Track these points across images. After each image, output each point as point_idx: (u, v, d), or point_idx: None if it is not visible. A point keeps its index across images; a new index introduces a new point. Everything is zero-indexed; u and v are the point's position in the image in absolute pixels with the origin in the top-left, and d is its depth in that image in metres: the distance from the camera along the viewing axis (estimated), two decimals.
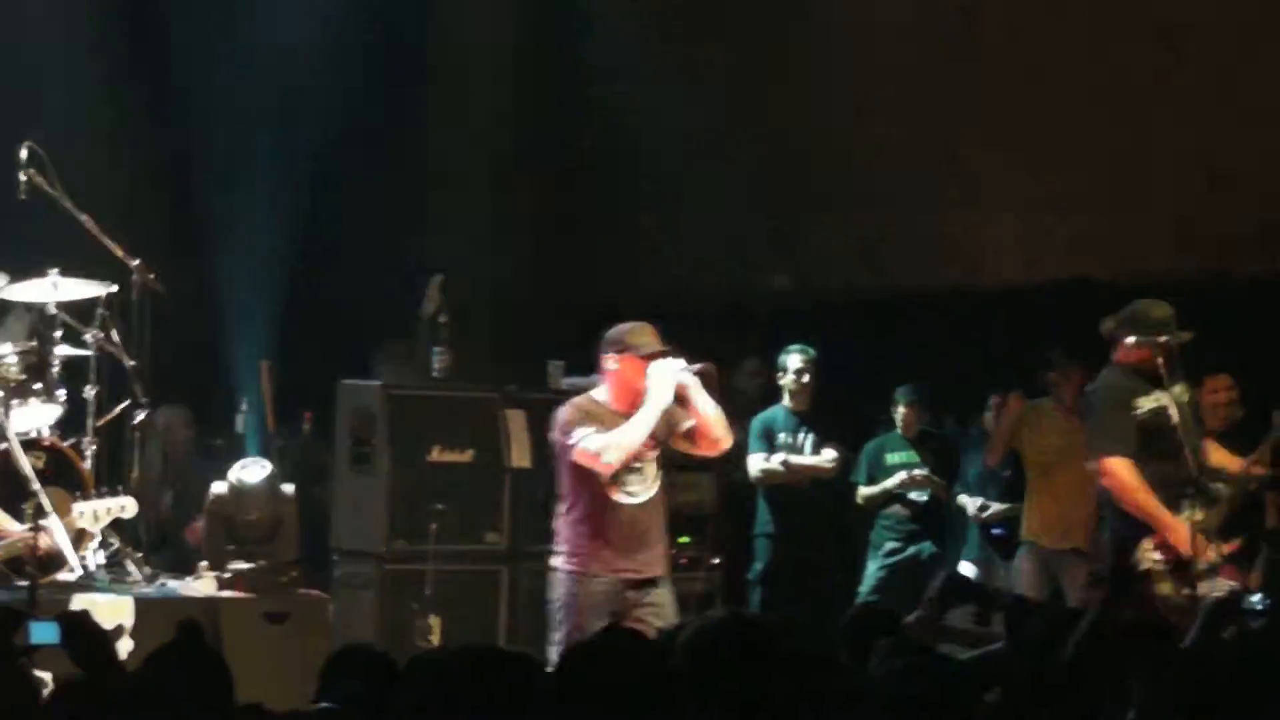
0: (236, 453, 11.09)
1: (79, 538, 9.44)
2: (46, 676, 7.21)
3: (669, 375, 8.27)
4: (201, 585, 9.94)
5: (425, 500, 10.47)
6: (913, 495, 11.76)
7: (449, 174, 13.14)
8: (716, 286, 13.75)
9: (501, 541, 10.78)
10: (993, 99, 13.14)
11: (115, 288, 10.13)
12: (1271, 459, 9.21)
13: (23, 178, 10.04)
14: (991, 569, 11.59)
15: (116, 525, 9.78)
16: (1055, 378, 11.21)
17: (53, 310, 10.04)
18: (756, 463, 11.43)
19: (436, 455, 10.70)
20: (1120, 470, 8.71)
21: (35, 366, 9.89)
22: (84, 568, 9.49)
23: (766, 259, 13.97)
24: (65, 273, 9.98)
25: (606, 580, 8.34)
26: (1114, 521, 8.90)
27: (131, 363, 10.19)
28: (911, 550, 11.72)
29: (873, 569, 11.75)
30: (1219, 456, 8.95)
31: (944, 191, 13.34)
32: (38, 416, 9.86)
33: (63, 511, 9.32)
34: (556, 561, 8.47)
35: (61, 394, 9.95)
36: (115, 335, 10.18)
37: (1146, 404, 8.84)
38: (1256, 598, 7.90)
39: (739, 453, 11.53)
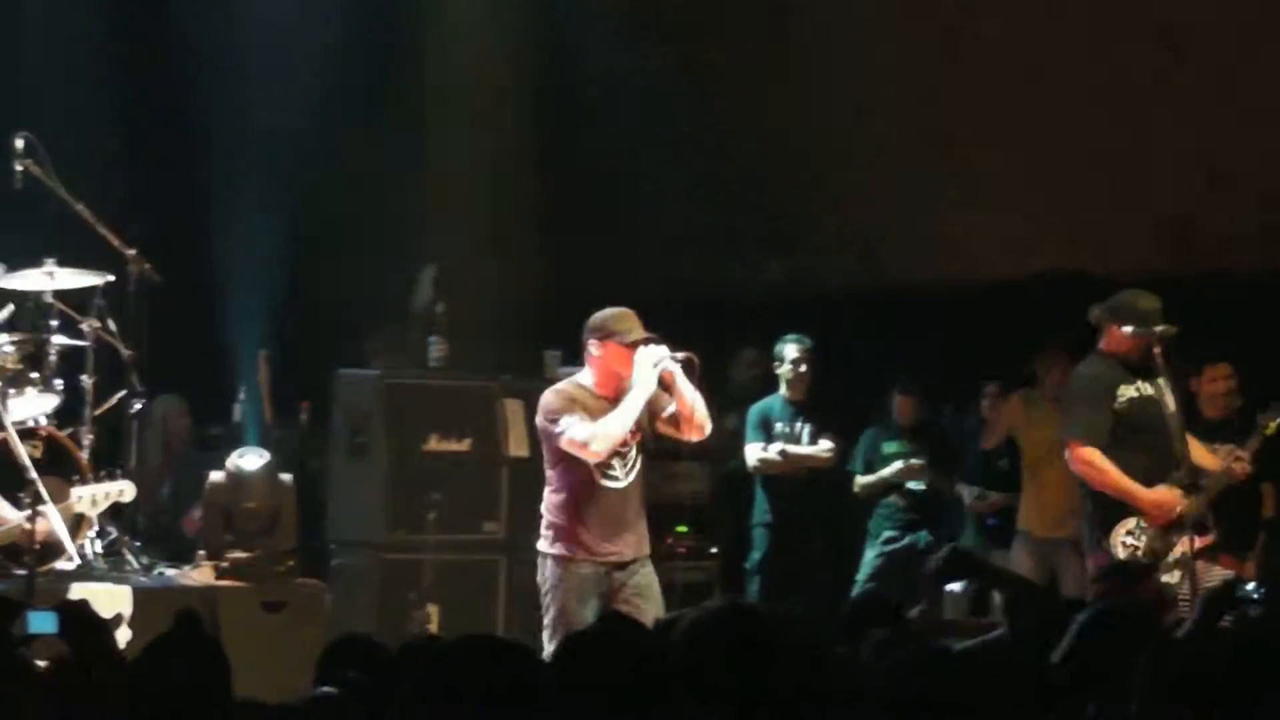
0: (234, 443, 11.09)
1: (76, 525, 9.45)
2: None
3: (654, 362, 8.31)
4: (199, 574, 9.94)
5: (422, 490, 10.48)
6: (910, 484, 11.78)
7: (447, 168, 13.13)
8: (714, 281, 13.75)
9: (499, 531, 10.78)
10: (992, 96, 13.14)
11: (112, 278, 10.13)
12: (1253, 458, 9.26)
13: (19, 168, 10.04)
14: (987, 558, 11.59)
15: (115, 514, 9.79)
16: (1037, 366, 11.26)
17: (49, 300, 10.04)
18: (754, 452, 11.44)
19: (434, 445, 10.71)
20: (1092, 458, 8.76)
21: (32, 356, 9.89)
22: (82, 557, 9.50)
23: (764, 254, 13.96)
24: (62, 263, 9.98)
25: (592, 565, 8.39)
26: (1089, 508, 8.95)
27: (128, 353, 10.19)
28: (909, 539, 11.75)
29: (870, 558, 11.77)
30: (1198, 454, 8.97)
31: (942, 187, 13.34)
32: (35, 406, 9.86)
33: (60, 500, 9.33)
34: (543, 546, 8.53)
35: (58, 383, 9.95)
36: (112, 325, 10.18)
37: (1128, 393, 8.87)
38: (1251, 586, 7.91)
39: (736, 442, 11.57)
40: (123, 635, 8.70)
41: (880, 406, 12.08)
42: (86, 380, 10.12)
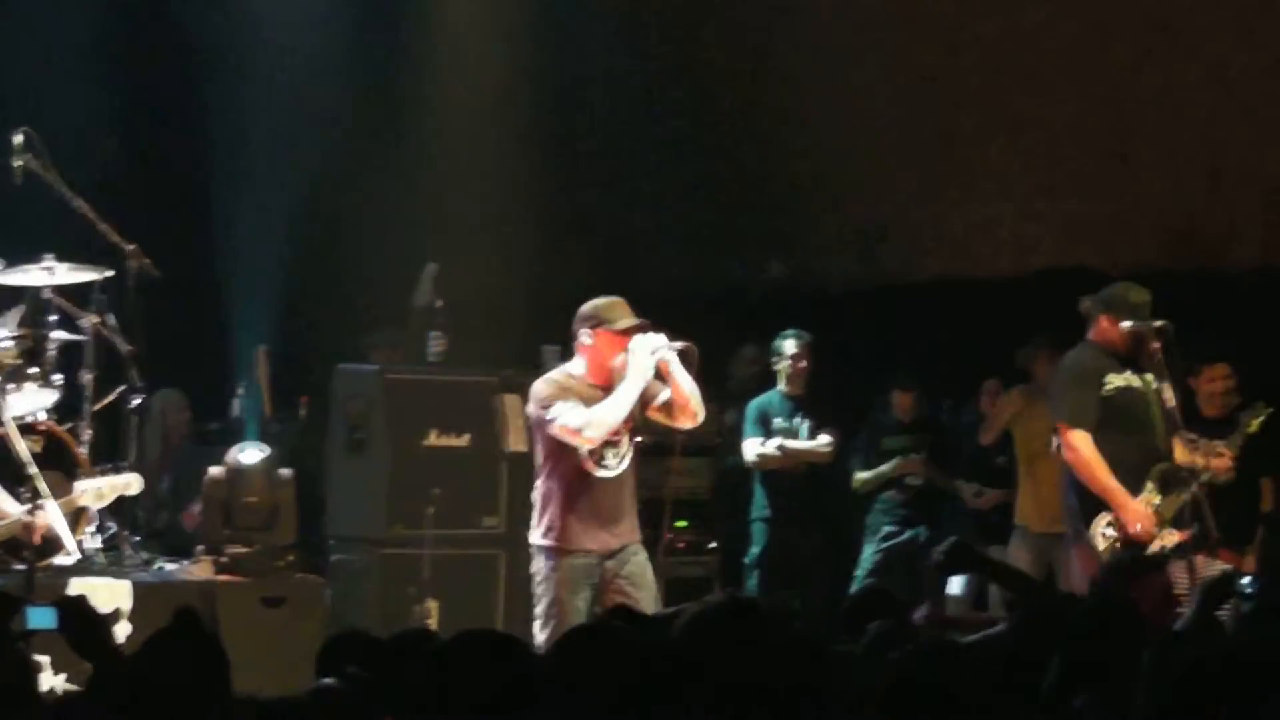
0: (233, 438, 11.09)
1: (76, 520, 9.45)
2: (45, 660, 7.24)
3: (650, 351, 8.32)
4: (198, 569, 9.95)
5: (422, 485, 10.47)
6: (908, 480, 11.80)
7: (447, 166, 13.14)
8: (714, 278, 13.76)
9: (498, 525, 10.78)
10: (991, 95, 13.15)
11: (111, 273, 10.13)
12: (1240, 454, 9.28)
13: (18, 163, 10.03)
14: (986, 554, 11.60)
15: (115, 509, 9.79)
16: (1025, 361, 11.28)
17: (48, 295, 10.04)
18: (752, 447, 11.45)
19: (433, 440, 10.71)
20: (1081, 444, 8.79)
21: (31, 351, 9.88)
22: (81, 552, 9.49)
23: (764, 250, 13.97)
24: (61, 258, 9.98)
25: (585, 555, 8.41)
26: (1072, 501, 8.97)
27: (127, 348, 10.19)
28: (907, 534, 11.76)
29: (869, 553, 11.79)
30: (1181, 453, 8.99)
31: (942, 185, 13.35)
32: (34, 401, 9.85)
33: (63, 494, 9.33)
34: (535, 537, 8.54)
35: (58, 378, 9.94)
36: (111, 320, 10.18)
37: (1116, 381, 8.91)
38: (1247, 579, 7.92)
39: (735, 438, 11.59)
40: (122, 630, 8.72)
41: (879, 402, 12.09)
42: (86, 375, 10.12)
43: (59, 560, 9.34)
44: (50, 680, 8.02)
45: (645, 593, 8.42)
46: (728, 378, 12.17)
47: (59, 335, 10.00)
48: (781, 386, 11.57)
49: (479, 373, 10.95)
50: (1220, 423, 9.75)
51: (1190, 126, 12.61)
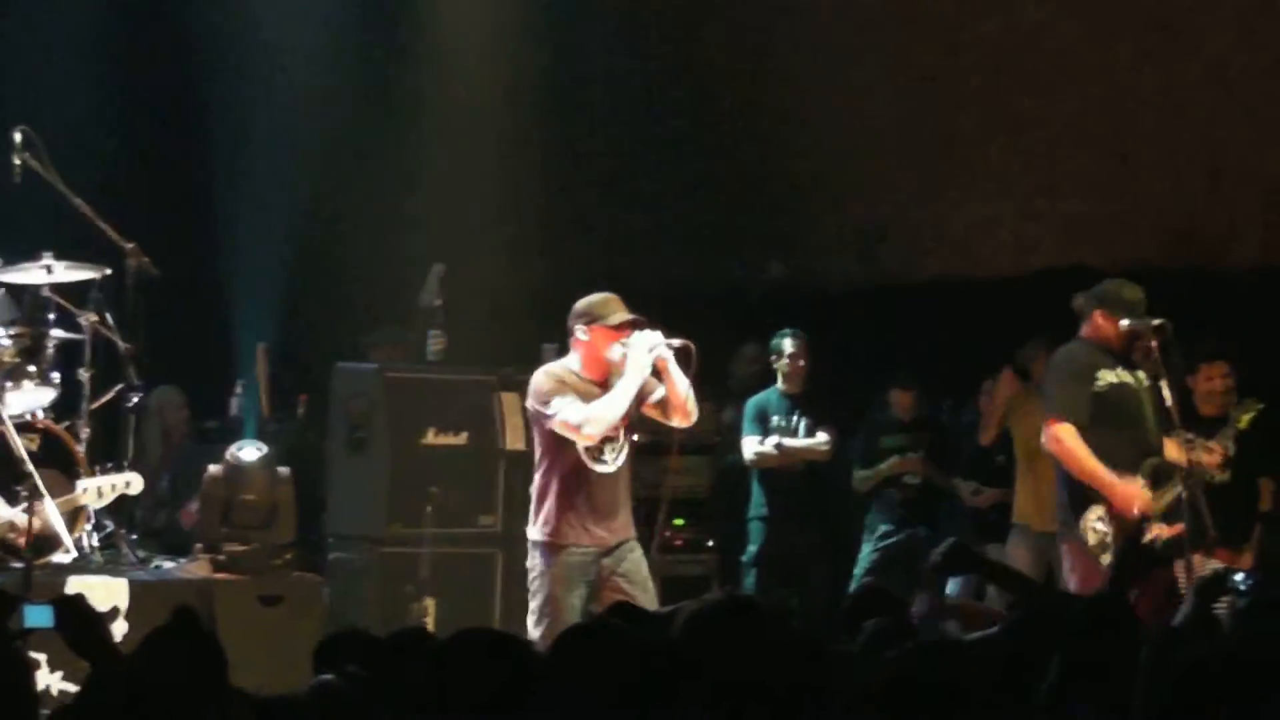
0: (232, 436, 11.09)
1: (74, 518, 9.44)
2: (41, 658, 7.23)
3: (648, 347, 8.33)
4: (196, 568, 9.94)
5: (420, 483, 10.47)
6: (907, 479, 11.80)
7: (447, 165, 13.13)
8: (714, 277, 13.76)
9: (496, 524, 10.78)
10: (990, 91, 13.15)
11: (110, 271, 10.13)
12: (1237, 449, 9.29)
13: (17, 162, 10.03)
14: (984, 552, 11.59)
15: (113, 507, 9.79)
16: (1025, 358, 11.28)
17: (47, 293, 10.03)
18: (750, 446, 11.46)
19: (431, 439, 10.71)
20: (1066, 436, 8.80)
21: (29, 349, 9.88)
22: (79, 550, 9.49)
23: (764, 250, 13.97)
24: (59, 256, 9.97)
25: (581, 551, 8.43)
26: (1063, 497, 8.98)
27: (126, 346, 10.18)
28: (906, 534, 11.75)
29: (867, 552, 11.79)
30: (1173, 451, 8.99)
31: (941, 185, 13.35)
32: (32, 399, 9.85)
33: (64, 492, 9.32)
34: (532, 532, 8.55)
35: (56, 377, 9.94)
36: (110, 318, 10.17)
37: (1108, 377, 8.91)
38: (1240, 576, 7.93)
39: (733, 436, 11.59)
40: (119, 628, 8.72)
41: (878, 401, 12.09)
42: (84, 374, 10.11)
43: (56, 558, 9.34)
44: (47, 678, 8.03)
45: (642, 591, 8.43)
46: (728, 376, 12.18)
47: (57, 333, 10.00)
48: (780, 385, 11.58)
49: (478, 371, 10.95)
50: (1218, 421, 9.75)
51: (1190, 126, 12.61)
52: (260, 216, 12.46)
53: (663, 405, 8.51)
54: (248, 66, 12.67)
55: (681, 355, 8.44)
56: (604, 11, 13.79)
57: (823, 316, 12.22)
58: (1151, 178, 12.77)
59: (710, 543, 11.51)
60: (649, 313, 8.55)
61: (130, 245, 10.23)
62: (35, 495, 9.03)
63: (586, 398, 8.42)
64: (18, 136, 10.03)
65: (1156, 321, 8.86)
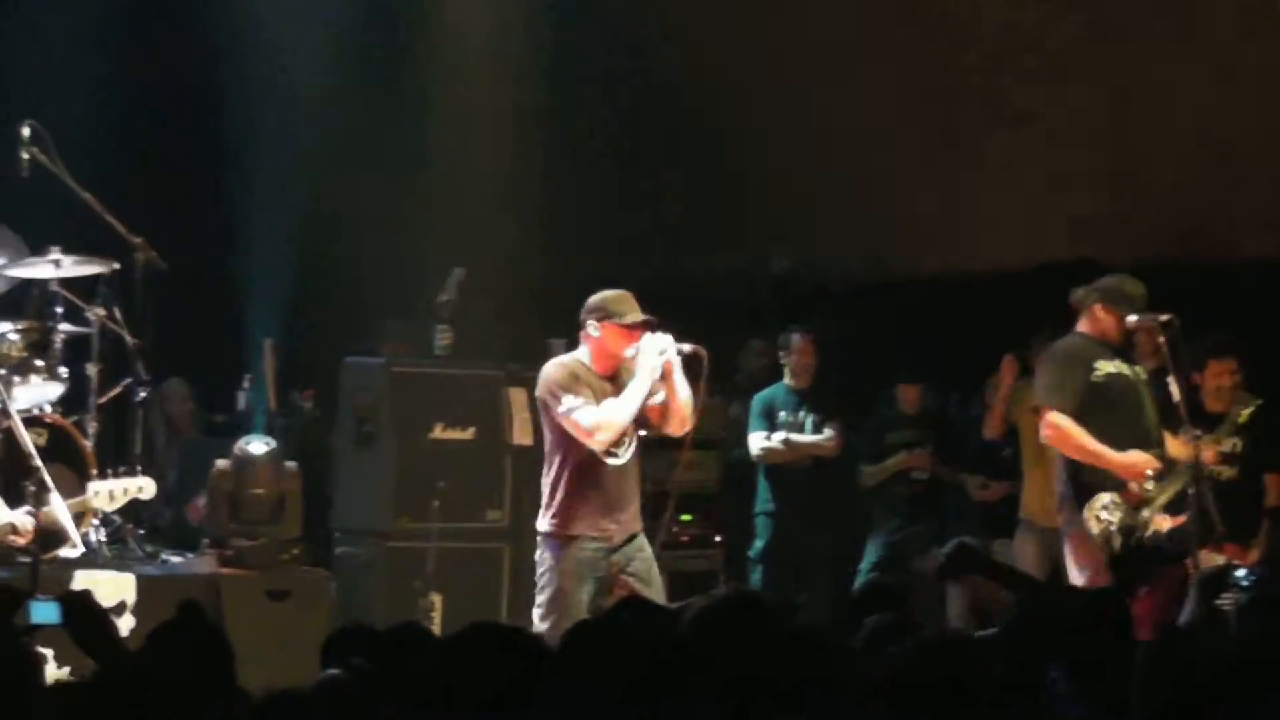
0: (239, 431, 11.10)
1: (81, 514, 9.44)
2: (48, 653, 7.24)
3: (659, 350, 8.34)
4: (203, 562, 9.95)
5: (427, 478, 10.47)
6: (914, 474, 11.80)
7: (453, 162, 13.13)
8: (719, 273, 13.75)
9: (503, 519, 10.78)
10: (996, 85, 13.14)
11: (118, 266, 10.14)
12: (1251, 444, 9.31)
13: (25, 156, 10.04)
14: (990, 548, 11.59)
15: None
16: (1032, 354, 11.29)
17: (55, 288, 10.05)
18: (758, 441, 11.47)
19: (438, 433, 10.71)
20: (1060, 420, 8.80)
21: (38, 344, 9.89)
22: (86, 544, 9.49)
23: (769, 245, 13.96)
24: (67, 251, 9.98)
25: (590, 545, 8.44)
26: (1065, 490, 8.97)
27: (133, 340, 10.20)
28: (912, 529, 11.75)
29: (873, 547, 11.78)
30: (1174, 448, 9.00)
31: (947, 178, 13.33)
32: (40, 393, 9.87)
33: (75, 493, 9.30)
34: (542, 526, 8.56)
35: (64, 371, 9.95)
36: (117, 313, 10.19)
37: (1107, 367, 8.92)
38: (1242, 572, 7.94)
39: (740, 431, 11.60)
40: (126, 623, 8.73)
41: (885, 396, 12.09)
42: (92, 368, 10.13)
43: (64, 553, 9.34)
44: (55, 673, 8.02)
45: (652, 590, 8.43)
46: (735, 371, 12.18)
47: (65, 328, 10.01)
48: (787, 380, 11.59)
49: (485, 366, 10.95)
50: (1224, 417, 9.75)
51: (1197, 121, 12.59)
52: (267, 212, 12.47)
53: (662, 409, 8.52)
54: (254, 64, 12.66)
55: (692, 361, 8.46)
56: (604, 11, 13.79)
57: (828, 311, 12.22)
58: (1157, 173, 12.76)
59: (717, 538, 11.52)
60: (655, 309, 8.56)
61: (138, 240, 10.24)
62: (43, 490, 9.01)
63: (598, 392, 8.44)
64: (26, 131, 10.05)
65: (1165, 317, 8.86)
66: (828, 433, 11.49)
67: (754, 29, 13.56)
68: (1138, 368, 9.01)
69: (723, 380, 11.00)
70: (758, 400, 11.56)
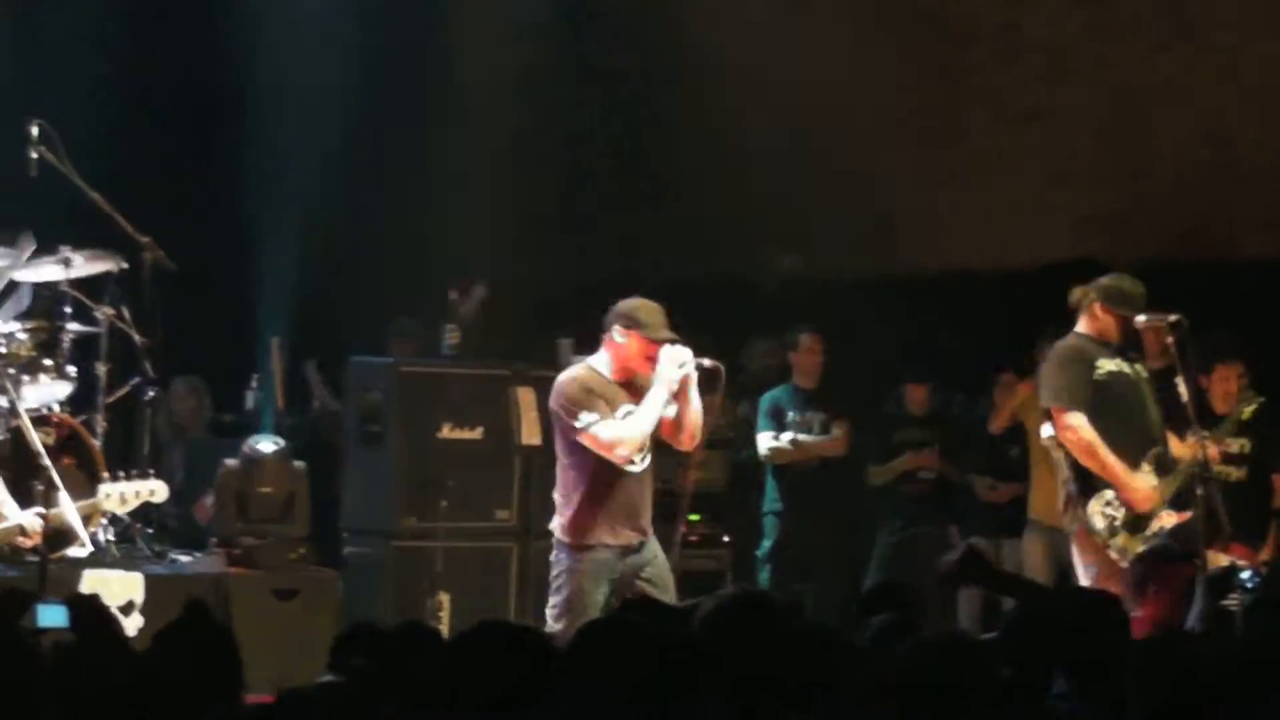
0: (247, 430, 11.10)
1: (89, 514, 9.45)
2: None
3: (678, 364, 8.32)
4: (211, 561, 9.96)
5: (435, 478, 10.48)
6: (922, 474, 11.79)
7: (460, 164, 13.14)
8: (726, 272, 13.75)
9: (511, 519, 10.79)
10: (1002, 82, 13.13)
11: (126, 265, 10.15)
12: (1253, 449, 9.32)
13: (33, 155, 10.05)
14: (998, 548, 11.59)
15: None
16: (1038, 353, 11.28)
17: (64, 287, 10.06)
18: (765, 441, 11.47)
19: (446, 433, 10.71)
20: (1078, 423, 8.77)
21: (46, 343, 9.90)
22: (94, 544, 9.50)
23: (777, 245, 13.95)
24: (76, 250, 9.99)
25: (606, 550, 8.43)
26: (1070, 486, 8.95)
27: (142, 340, 10.21)
28: (920, 528, 11.74)
29: (881, 547, 11.78)
30: (1175, 447, 9.00)
31: (954, 177, 13.33)
32: (48, 393, 9.88)
33: (87, 495, 9.30)
34: (559, 531, 8.56)
35: (72, 370, 9.96)
36: (126, 312, 10.20)
37: (1108, 365, 8.91)
38: (1247, 574, 7.95)
39: (748, 431, 11.59)
40: (134, 622, 8.74)
41: (892, 395, 12.08)
42: (100, 367, 10.14)
43: (72, 552, 9.35)
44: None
45: (666, 594, 8.42)
46: (740, 371, 12.16)
47: (74, 327, 10.02)
48: (794, 380, 11.59)
49: (493, 366, 10.95)
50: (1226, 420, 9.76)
51: (1201, 120, 12.59)
52: (275, 211, 12.47)
53: (675, 423, 8.51)
54: (260, 64, 12.67)
55: (710, 376, 8.45)
56: (604, 11, 13.79)
57: (835, 311, 12.21)
58: (1162, 171, 12.75)
59: (725, 538, 11.52)
60: (662, 302, 8.54)
61: (146, 239, 10.25)
62: (51, 489, 9.03)
63: (613, 402, 8.41)
64: (34, 130, 10.06)
65: (1173, 317, 8.84)
66: (836, 432, 11.49)
67: (758, 26, 13.56)
68: (1138, 366, 8.99)
69: (728, 381, 10.99)
70: (765, 400, 11.56)
